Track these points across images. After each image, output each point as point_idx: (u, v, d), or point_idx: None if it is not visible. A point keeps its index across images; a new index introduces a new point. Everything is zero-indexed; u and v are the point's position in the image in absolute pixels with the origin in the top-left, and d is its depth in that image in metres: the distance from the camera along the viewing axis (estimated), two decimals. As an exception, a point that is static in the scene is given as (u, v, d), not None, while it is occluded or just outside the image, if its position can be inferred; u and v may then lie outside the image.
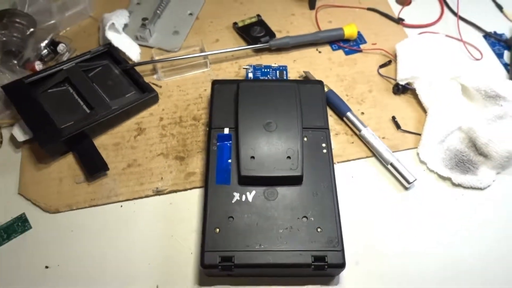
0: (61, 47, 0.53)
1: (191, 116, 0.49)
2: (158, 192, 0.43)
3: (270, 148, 0.41)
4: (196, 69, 0.52)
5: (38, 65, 0.51)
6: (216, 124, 0.44)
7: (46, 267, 0.39)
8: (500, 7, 0.60)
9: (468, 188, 0.44)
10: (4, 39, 0.51)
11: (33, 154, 0.46)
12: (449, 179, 0.44)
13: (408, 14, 0.59)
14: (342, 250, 0.37)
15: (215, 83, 0.47)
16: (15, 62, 0.51)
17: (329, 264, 0.36)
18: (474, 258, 0.40)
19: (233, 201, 0.39)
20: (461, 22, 0.58)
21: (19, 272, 0.39)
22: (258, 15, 0.57)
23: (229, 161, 0.41)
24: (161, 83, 0.51)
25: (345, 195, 0.43)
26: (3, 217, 0.42)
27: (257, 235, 0.37)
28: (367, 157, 0.46)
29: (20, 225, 0.41)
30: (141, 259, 0.40)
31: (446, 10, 0.60)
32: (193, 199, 0.43)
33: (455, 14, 0.58)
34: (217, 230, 0.38)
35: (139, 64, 0.51)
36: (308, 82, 0.49)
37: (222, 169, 0.41)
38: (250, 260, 0.36)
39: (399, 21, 0.58)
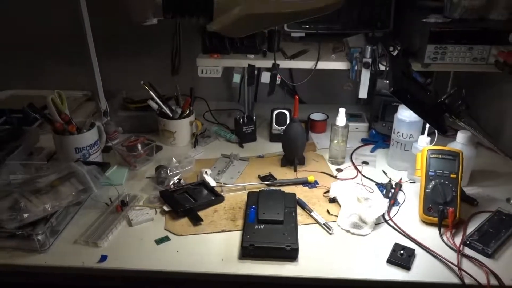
0: (182, 181, 1.19)
1: (238, 206, 1.10)
2: (223, 230, 1.02)
3: (271, 210, 1.01)
4: (240, 191, 1.16)
5: (172, 186, 1.16)
6: (250, 204, 1.05)
7: (177, 251, 0.96)
8: (385, 172, 1.25)
9: (358, 235, 1.01)
10: (160, 177, 1.18)
11: (171, 215, 1.06)
12: (348, 231, 1.01)
13: (341, 174, 1.25)
14: (297, 243, 0.93)
15: (249, 193, 1.11)
16: (162, 185, 1.16)
17: (292, 248, 0.92)
18: (356, 256, 0.95)
19: (255, 228, 0.97)
20: (363, 178, 1.23)
21: (162, 252, 0.95)
22: (270, 173, 1.24)
23: (254, 216, 1.01)
24: (225, 195, 1.14)
25: (303, 235, 0.99)
26: (160, 235, 1.00)
27: (265, 238, 0.94)
28: (313, 223, 1.05)
29: (165, 238, 0.99)
30: (214, 251, 0.96)
31: (359, 174, 1.25)
32: (237, 234, 1.01)
33: (362, 174, 1.24)
34: (248, 236, 0.95)
35: (215, 186, 1.16)
36: (288, 193, 1.11)
37: (251, 217, 1.01)
38: (262, 244, 0.93)
39: (335, 177, 1.23)
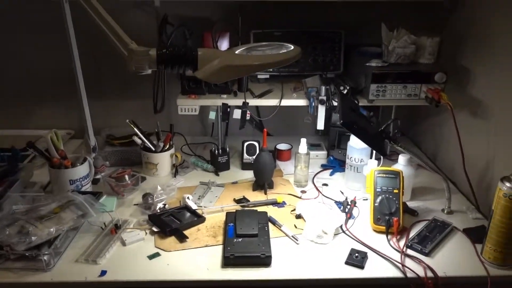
0: (167, 206, 1.34)
1: (218, 225, 1.27)
2: (207, 245, 1.18)
3: (247, 226, 1.19)
4: (219, 212, 1.34)
5: (158, 210, 1.31)
6: (228, 222, 1.23)
7: (167, 264, 1.11)
8: (342, 192, 1.46)
9: (321, 244, 1.20)
10: (147, 203, 1.33)
11: (158, 236, 1.22)
12: (312, 241, 1.20)
13: (305, 195, 1.45)
14: (270, 252, 1.11)
15: (227, 213, 1.28)
16: (149, 210, 1.32)
17: (266, 255, 1.10)
18: (321, 260, 1.13)
19: (234, 241, 1.15)
20: (324, 198, 1.43)
21: (155, 265, 1.10)
22: (244, 196, 1.42)
23: (233, 231, 1.18)
24: (205, 216, 1.31)
25: (275, 246, 1.17)
26: (151, 252, 1.15)
27: (243, 248, 1.12)
28: (283, 236, 1.23)
29: (156, 254, 1.14)
30: (200, 262, 1.12)
31: (320, 194, 1.46)
32: (219, 248, 1.17)
33: (323, 194, 1.44)
34: (229, 248, 1.12)
35: (196, 209, 1.32)
36: (261, 212, 1.30)
37: (230, 233, 1.18)
38: (241, 254, 1.10)
39: (300, 197, 1.43)
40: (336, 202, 1.41)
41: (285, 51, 1.02)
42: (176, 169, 1.57)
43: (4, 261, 1.08)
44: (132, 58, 1.01)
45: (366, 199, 1.42)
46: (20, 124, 1.89)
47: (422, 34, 1.47)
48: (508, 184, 1.05)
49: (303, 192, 1.47)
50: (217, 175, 1.58)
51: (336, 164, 1.64)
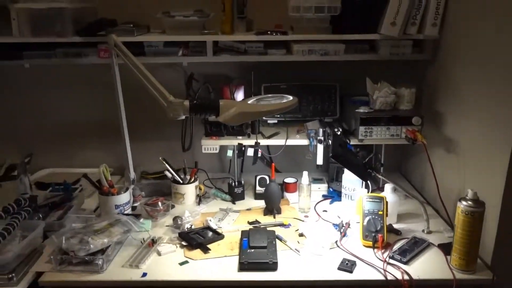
0: (193, 226, 1.63)
1: (234, 241, 1.55)
2: (225, 256, 1.46)
3: (258, 240, 1.47)
4: (235, 231, 1.62)
5: (186, 229, 1.61)
6: (243, 237, 1.51)
7: (194, 269, 1.39)
8: (339, 216, 1.74)
9: (318, 255, 1.46)
10: (177, 224, 1.63)
11: (187, 248, 1.50)
12: (312, 252, 1.47)
13: (307, 219, 1.73)
14: (277, 259, 1.38)
15: (242, 231, 1.57)
16: (179, 229, 1.61)
17: (273, 262, 1.37)
18: (317, 267, 1.40)
19: (247, 251, 1.43)
20: (322, 221, 1.71)
21: (184, 270, 1.38)
22: (256, 219, 1.71)
23: (246, 244, 1.46)
24: (225, 234, 1.60)
25: (281, 256, 1.44)
26: (182, 260, 1.43)
27: (254, 256, 1.39)
28: (288, 249, 1.50)
29: (185, 262, 1.42)
30: (220, 268, 1.39)
31: (320, 218, 1.73)
32: (235, 258, 1.45)
33: (322, 218, 1.72)
34: (243, 256, 1.40)
35: (217, 229, 1.61)
36: (270, 230, 1.58)
37: (245, 245, 1.46)
38: (253, 261, 1.37)
39: (303, 220, 1.71)
40: (333, 224, 1.68)
41: (285, 100, 1.35)
42: (200, 199, 1.88)
43: (67, 265, 1.38)
44: (170, 108, 1.36)
45: (359, 222, 1.69)
46: (68, 163, 2.23)
47: (401, 86, 1.79)
48: (464, 203, 1.32)
49: (306, 216, 1.75)
50: (234, 203, 1.87)
51: (335, 194, 1.92)
